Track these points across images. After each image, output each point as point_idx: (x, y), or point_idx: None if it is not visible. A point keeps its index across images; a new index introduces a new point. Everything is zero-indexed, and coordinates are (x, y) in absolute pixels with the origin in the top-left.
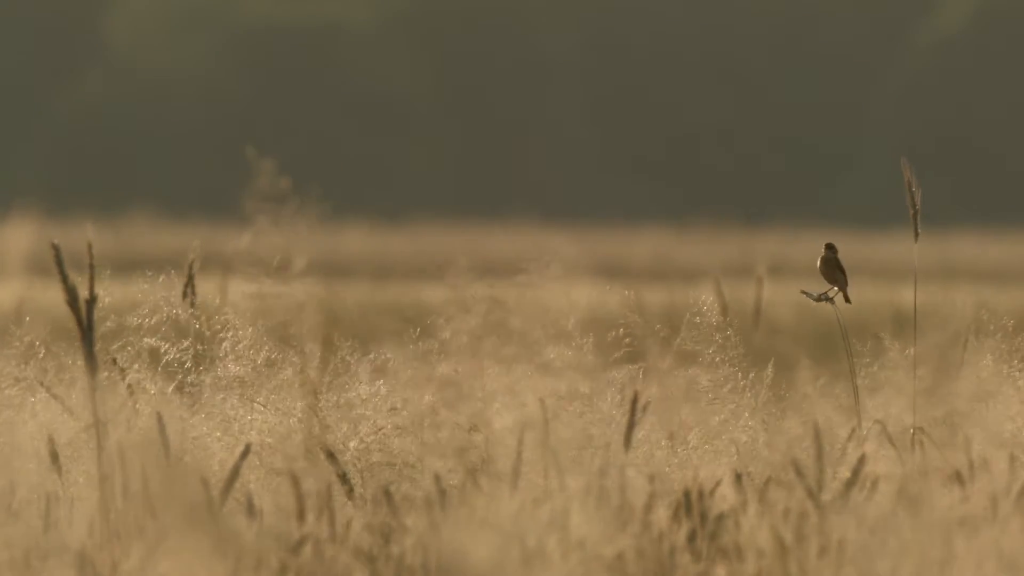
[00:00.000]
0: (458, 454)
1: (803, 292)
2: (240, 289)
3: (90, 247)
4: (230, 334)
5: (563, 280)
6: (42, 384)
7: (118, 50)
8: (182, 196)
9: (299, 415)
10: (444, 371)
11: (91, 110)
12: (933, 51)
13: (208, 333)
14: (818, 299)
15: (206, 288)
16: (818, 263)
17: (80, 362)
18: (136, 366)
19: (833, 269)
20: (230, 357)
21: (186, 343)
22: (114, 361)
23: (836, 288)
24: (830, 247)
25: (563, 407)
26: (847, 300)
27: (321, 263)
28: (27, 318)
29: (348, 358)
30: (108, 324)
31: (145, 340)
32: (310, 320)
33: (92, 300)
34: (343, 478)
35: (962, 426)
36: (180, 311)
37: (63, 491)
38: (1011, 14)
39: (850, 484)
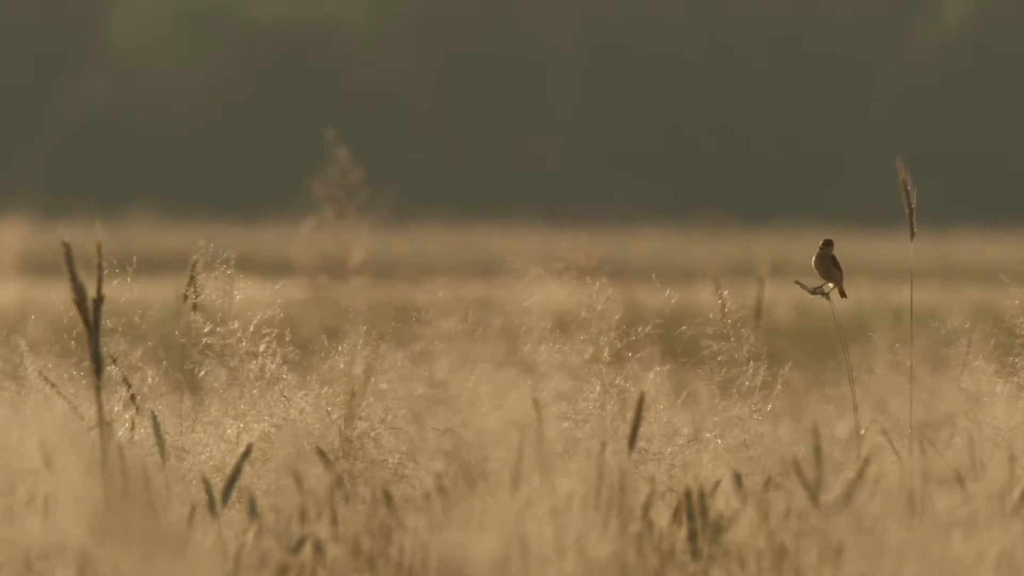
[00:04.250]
0: (451, 455)
1: (798, 283)
2: (253, 286)
3: (99, 247)
4: (236, 333)
5: (560, 280)
6: (47, 380)
7: (118, 50)
8: (182, 196)
9: (307, 412)
10: (438, 371)
11: (91, 110)
12: (933, 51)
13: (210, 332)
14: (813, 292)
15: (209, 287)
16: (814, 258)
17: (74, 362)
18: (137, 364)
19: (829, 265)
20: (233, 355)
21: (188, 342)
22: (114, 361)
23: (831, 284)
24: (828, 243)
25: (560, 407)
26: (843, 295)
27: (321, 264)
28: (32, 317)
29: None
30: (110, 323)
31: (148, 340)
32: (363, 317)
33: (99, 300)
34: (340, 479)
35: (959, 426)
36: (185, 311)
37: (63, 491)
38: (1011, 14)
39: (853, 485)
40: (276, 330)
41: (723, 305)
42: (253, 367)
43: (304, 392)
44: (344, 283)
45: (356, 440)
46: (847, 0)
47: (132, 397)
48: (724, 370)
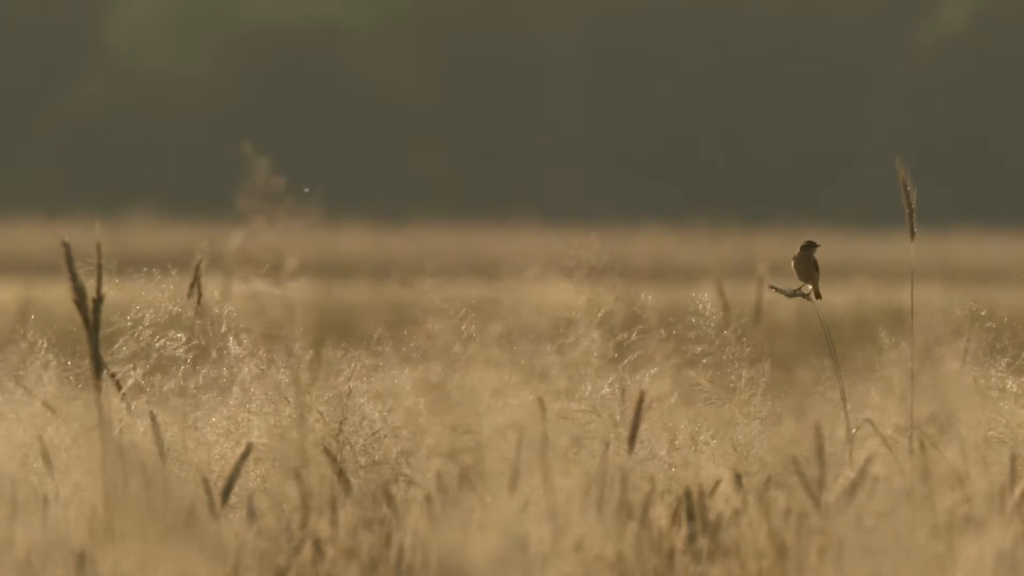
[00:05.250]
0: (451, 455)
1: (772, 287)
2: (234, 289)
3: (99, 246)
4: (231, 334)
5: (569, 279)
6: (26, 388)
7: (118, 50)
8: (182, 196)
9: (292, 415)
10: (437, 372)
11: (91, 110)
12: (933, 51)
13: (211, 333)
14: (792, 295)
15: (206, 288)
16: (793, 260)
17: (70, 362)
18: (133, 366)
19: (810, 267)
20: (231, 357)
21: (189, 343)
22: (106, 366)
23: (809, 285)
24: (811, 245)
25: (560, 407)
26: (818, 296)
27: (319, 263)
28: (32, 317)
29: (340, 359)
30: (110, 323)
31: (145, 339)
32: (302, 321)
33: (99, 300)
34: (341, 476)
35: (957, 426)
36: (184, 310)
37: (61, 492)
38: (1011, 14)
39: (855, 485)
40: (269, 330)
41: (726, 305)
42: (248, 368)
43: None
44: (281, 287)
45: (351, 440)
46: (847, 0)
47: (123, 396)
48: (723, 370)
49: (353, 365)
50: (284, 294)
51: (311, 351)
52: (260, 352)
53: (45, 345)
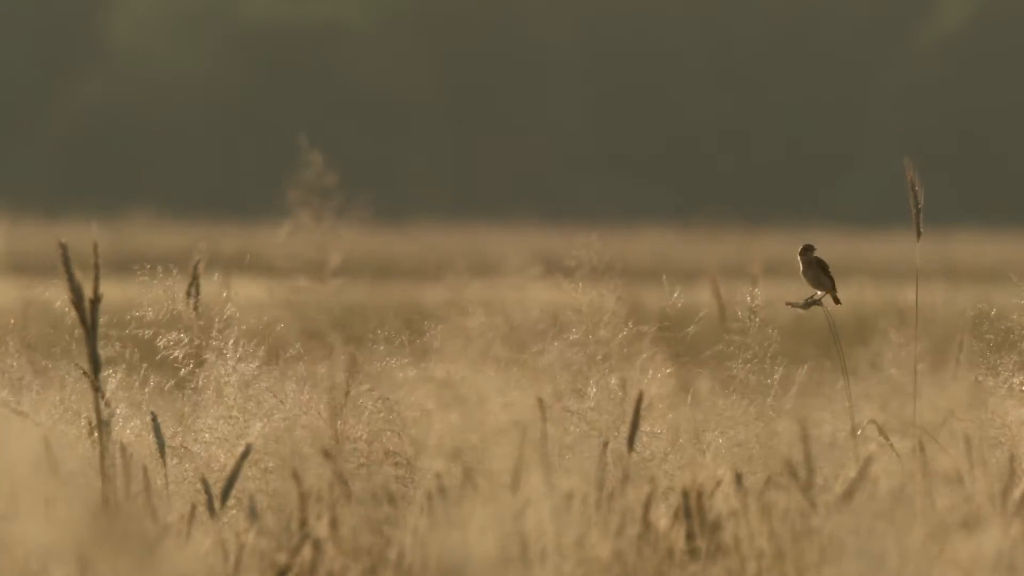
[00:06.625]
0: (455, 454)
1: (788, 303)
2: (250, 286)
3: (95, 247)
4: (233, 333)
5: (562, 280)
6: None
7: (118, 50)
8: (183, 196)
9: (304, 413)
10: (439, 372)
11: (91, 110)
12: (933, 51)
13: (213, 332)
14: (806, 305)
15: (207, 287)
16: (801, 268)
17: (67, 362)
18: (127, 365)
19: (817, 272)
20: (232, 356)
21: (188, 341)
22: (95, 367)
23: (821, 291)
24: (809, 248)
25: (561, 407)
26: (836, 301)
27: (318, 263)
28: (29, 317)
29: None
30: (108, 322)
31: (145, 338)
32: (338, 319)
33: (96, 300)
34: (341, 478)
35: (956, 425)
36: (183, 309)
37: (62, 492)
38: (1011, 14)
39: (854, 485)
40: (269, 331)
41: (721, 307)
42: (248, 369)
43: (298, 393)
44: (324, 285)
45: (354, 441)
46: (847, 0)
47: (107, 401)
48: (724, 369)
49: (358, 364)
50: (328, 291)
51: (346, 350)
52: (261, 351)
53: (11, 345)
